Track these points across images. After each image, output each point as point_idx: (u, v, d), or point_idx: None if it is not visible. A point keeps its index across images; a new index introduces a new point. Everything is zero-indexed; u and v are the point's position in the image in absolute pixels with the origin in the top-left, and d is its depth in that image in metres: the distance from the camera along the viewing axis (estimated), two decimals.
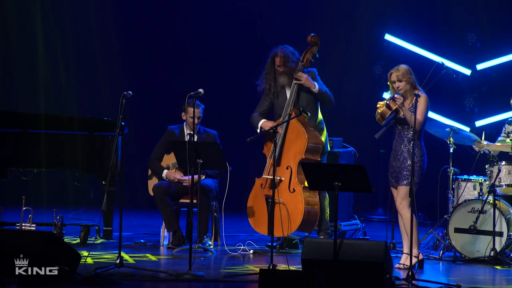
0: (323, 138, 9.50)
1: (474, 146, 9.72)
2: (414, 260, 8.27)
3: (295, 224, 9.16)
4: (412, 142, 8.00)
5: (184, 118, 9.73)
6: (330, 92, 9.56)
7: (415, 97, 7.90)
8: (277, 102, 9.58)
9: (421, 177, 8.34)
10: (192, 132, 9.31)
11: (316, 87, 9.43)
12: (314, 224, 9.28)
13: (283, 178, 9.27)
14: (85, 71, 14.83)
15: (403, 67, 8.37)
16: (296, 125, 9.35)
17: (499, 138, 9.74)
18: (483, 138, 9.66)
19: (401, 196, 8.29)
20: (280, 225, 9.09)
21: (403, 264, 8.32)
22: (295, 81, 9.43)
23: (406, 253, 8.31)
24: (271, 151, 9.40)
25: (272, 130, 8.55)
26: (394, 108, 8.25)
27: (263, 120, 9.57)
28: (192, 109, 9.32)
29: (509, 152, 9.52)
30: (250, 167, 10.56)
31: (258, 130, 9.50)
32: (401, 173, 8.31)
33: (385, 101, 8.34)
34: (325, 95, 9.49)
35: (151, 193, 9.64)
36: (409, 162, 8.24)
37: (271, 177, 9.27)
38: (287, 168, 9.30)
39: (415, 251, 8.28)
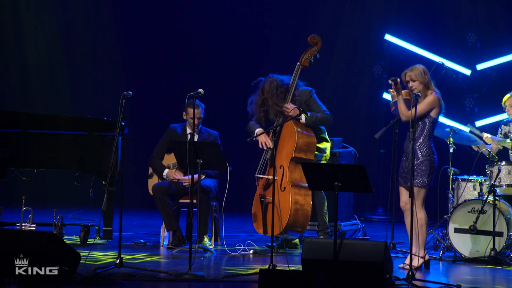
0: (325, 145, 9.49)
1: (473, 146, 9.72)
2: (421, 260, 8.27)
3: (283, 222, 9.16)
4: (411, 142, 7.97)
5: (185, 118, 9.72)
6: (325, 114, 9.43)
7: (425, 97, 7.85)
8: (272, 110, 9.53)
9: (432, 175, 8.29)
10: (193, 132, 9.36)
11: (302, 119, 9.37)
12: (304, 223, 9.25)
13: (276, 177, 9.25)
14: (84, 71, 14.83)
15: (417, 67, 8.33)
16: (290, 125, 9.33)
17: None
18: (481, 135, 9.66)
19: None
20: (274, 224, 9.09)
21: (406, 265, 8.31)
22: (283, 111, 9.37)
23: (413, 254, 8.28)
24: (265, 151, 9.40)
25: (272, 130, 8.54)
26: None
27: (259, 129, 9.51)
28: (192, 109, 9.34)
29: (509, 151, 9.53)
30: (250, 167, 10.56)
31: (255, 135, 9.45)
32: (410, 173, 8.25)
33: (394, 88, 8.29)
34: (315, 123, 9.42)
35: (151, 193, 9.63)
36: (418, 161, 8.20)
37: (266, 177, 9.31)
38: (280, 167, 9.30)
39: (421, 252, 8.27)
